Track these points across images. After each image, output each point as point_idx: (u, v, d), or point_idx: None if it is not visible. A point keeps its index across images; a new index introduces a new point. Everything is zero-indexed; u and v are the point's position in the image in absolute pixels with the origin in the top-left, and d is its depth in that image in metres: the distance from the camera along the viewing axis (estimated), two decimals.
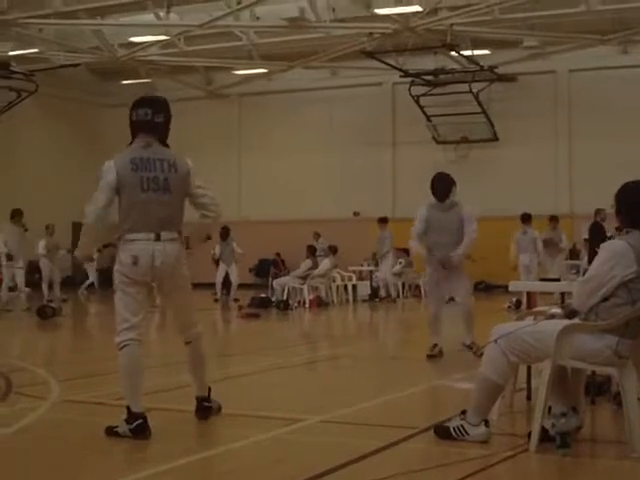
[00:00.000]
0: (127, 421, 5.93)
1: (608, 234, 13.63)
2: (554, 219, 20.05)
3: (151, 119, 6.12)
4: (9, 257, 18.65)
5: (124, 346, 6.01)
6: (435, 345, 10.36)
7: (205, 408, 6.48)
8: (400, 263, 23.30)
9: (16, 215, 18.71)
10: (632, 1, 23.07)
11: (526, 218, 19.20)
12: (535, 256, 18.89)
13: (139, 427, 5.89)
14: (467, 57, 26.61)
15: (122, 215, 6.07)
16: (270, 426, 6.41)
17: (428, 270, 10.70)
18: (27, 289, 25.76)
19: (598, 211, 17.41)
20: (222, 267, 22.29)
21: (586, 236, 19.05)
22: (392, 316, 20.34)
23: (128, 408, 5.96)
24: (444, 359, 10.32)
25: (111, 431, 5.99)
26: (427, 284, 11.07)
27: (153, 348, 13.86)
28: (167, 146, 6.28)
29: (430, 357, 10.23)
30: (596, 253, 5.74)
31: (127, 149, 6.18)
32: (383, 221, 22.80)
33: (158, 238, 6.02)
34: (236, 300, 21.47)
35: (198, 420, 6.47)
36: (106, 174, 6.04)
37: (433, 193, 10.43)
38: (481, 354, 9.85)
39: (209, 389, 6.55)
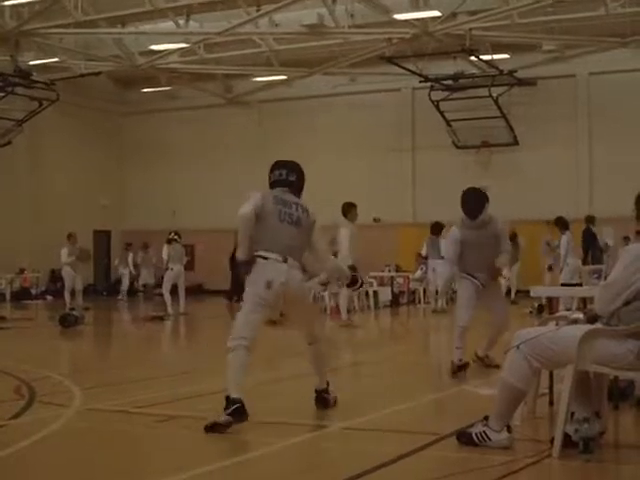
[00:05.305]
0: (225, 408, 6.39)
1: None
2: (551, 223, 19.10)
3: (285, 178, 7.23)
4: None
5: (234, 349, 6.66)
6: (461, 360, 9.66)
7: (324, 399, 7.37)
8: (421, 269, 23.26)
9: None
10: None
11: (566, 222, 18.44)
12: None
13: (237, 410, 6.38)
14: (486, 61, 26.54)
15: (257, 237, 6.86)
16: (292, 433, 6.42)
17: (464, 285, 9.85)
18: (50, 297, 25.86)
19: None
20: None
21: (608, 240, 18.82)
22: (413, 322, 20.29)
23: (227, 397, 6.44)
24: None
25: (211, 427, 6.33)
26: (462, 296, 9.96)
27: (177, 356, 13.92)
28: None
29: (459, 369, 9.62)
30: None
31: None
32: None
33: (285, 261, 6.86)
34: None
35: (317, 409, 7.23)
36: (254, 195, 7.02)
37: (463, 210, 9.68)
38: (495, 365, 9.83)
39: (327, 382, 7.36)
